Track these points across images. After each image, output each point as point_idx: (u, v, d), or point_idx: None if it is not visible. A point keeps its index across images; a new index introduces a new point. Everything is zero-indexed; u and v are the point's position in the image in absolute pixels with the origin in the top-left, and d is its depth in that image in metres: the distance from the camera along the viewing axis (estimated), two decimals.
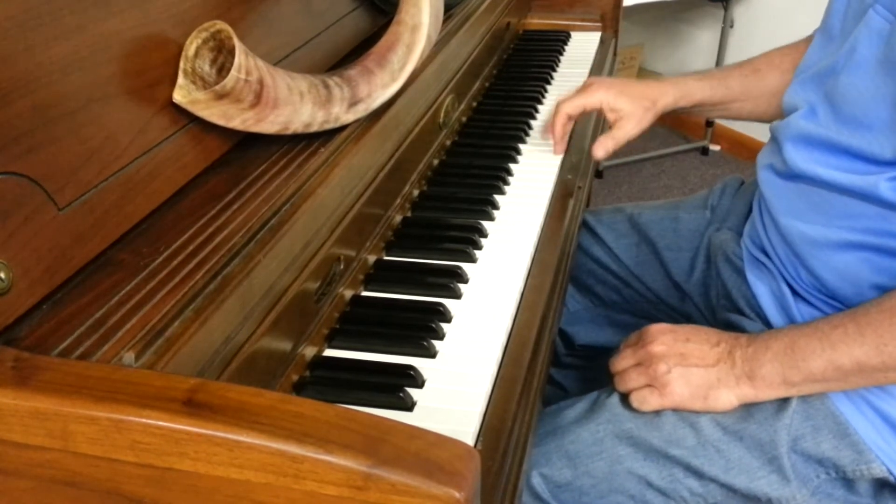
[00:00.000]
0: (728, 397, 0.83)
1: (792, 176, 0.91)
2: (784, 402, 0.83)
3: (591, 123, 1.28)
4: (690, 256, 1.12)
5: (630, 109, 1.08)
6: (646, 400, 0.85)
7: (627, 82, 1.12)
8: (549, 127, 1.14)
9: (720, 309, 1.03)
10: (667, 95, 1.10)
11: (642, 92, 1.10)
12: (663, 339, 0.86)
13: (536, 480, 0.86)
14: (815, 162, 0.87)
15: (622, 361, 0.89)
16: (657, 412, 0.86)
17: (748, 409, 0.84)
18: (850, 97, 0.84)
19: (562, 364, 1.28)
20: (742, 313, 0.97)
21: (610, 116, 1.10)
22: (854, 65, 0.85)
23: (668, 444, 0.84)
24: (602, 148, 1.09)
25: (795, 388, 0.82)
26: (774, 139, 0.96)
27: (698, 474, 0.84)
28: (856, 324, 0.78)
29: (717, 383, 0.83)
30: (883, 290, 0.80)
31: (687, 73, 1.16)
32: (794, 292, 0.91)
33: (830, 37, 0.92)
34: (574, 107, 1.11)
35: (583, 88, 1.12)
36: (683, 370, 0.84)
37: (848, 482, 0.83)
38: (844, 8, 0.90)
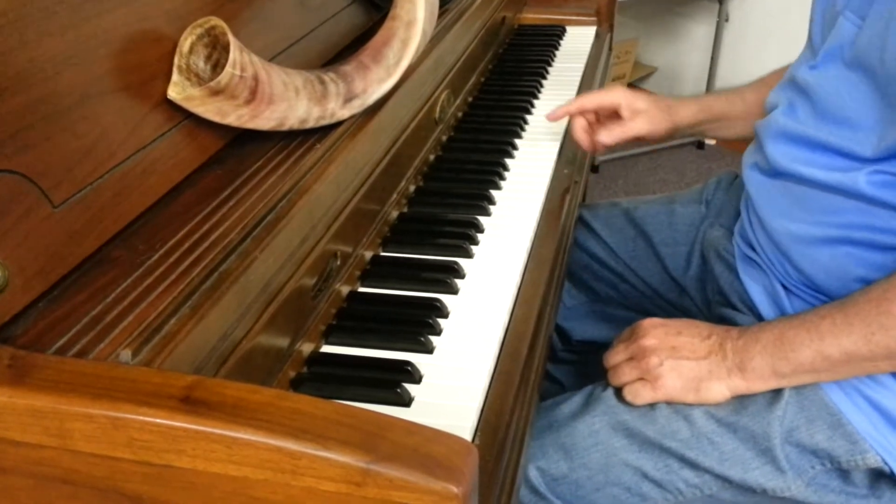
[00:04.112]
0: (720, 389, 0.84)
1: (774, 173, 0.91)
2: (777, 393, 0.84)
3: None
4: (687, 251, 1.12)
5: (647, 107, 1.11)
6: (638, 393, 0.86)
7: (648, 92, 1.15)
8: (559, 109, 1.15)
9: (715, 304, 1.04)
10: (686, 107, 1.13)
11: (663, 98, 1.15)
12: (655, 332, 0.87)
13: (533, 473, 0.87)
14: (796, 159, 0.88)
15: (615, 356, 0.90)
16: (651, 405, 0.86)
17: (741, 401, 0.85)
18: (827, 97, 0.85)
19: (558, 360, 1.28)
20: (736, 309, 0.98)
21: (625, 114, 1.11)
22: (830, 67, 0.86)
23: (662, 436, 0.85)
24: (608, 134, 1.11)
25: (786, 380, 0.82)
26: (757, 137, 0.96)
27: (693, 466, 0.85)
28: (843, 314, 0.78)
29: (709, 375, 0.84)
30: (868, 284, 0.80)
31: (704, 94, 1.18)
32: (786, 288, 0.91)
33: (812, 46, 0.93)
34: (592, 99, 1.13)
35: (603, 89, 1.15)
36: (675, 363, 0.85)
37: (843, 473, 0.84)
38: (821, 18, 0.92)
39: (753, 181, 0.95)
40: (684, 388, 0.84)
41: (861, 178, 0.81)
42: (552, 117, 1.15)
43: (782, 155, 0.89)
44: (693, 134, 1.18)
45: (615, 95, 1.12)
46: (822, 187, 0.85)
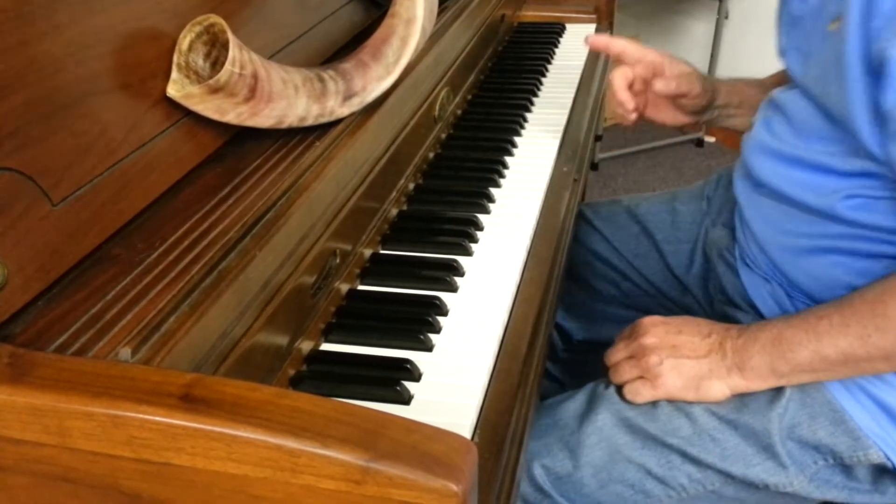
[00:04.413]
0: (720, 388, 0.84)
1: (759, 185, 0.93)
2: (778, 391, 0.84)
3: (587, 114, 1.28)
4: (689, 249, 1.12)
5: (691, 71, 1.10)
6: (639, 392, 0.86)
7: None
8: (621, 104, 1.10)
9: (717, 302, 1.04)
10: (721, 84, 1.12)
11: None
12: (655, 331, 0.87)
13: (538, 472, 0.87)
14: (776, 174, 0.89)
15: (616, 354, 0.90)
16: (653, 402, 0.86)
17: (742, 398, 0.85)
18: (799, 115, 0.87)
19: (559, 359, 1.28)
20: (738, 307, 0.98)
21: (669, 73, 1.08)
22: (796, 88, 0.88)
23: (664, 433, 0.85)
24: (665, 84, 1.07)
25: (785, 379, 0.83)
26: (742, 150, 0.98)
27: (695, 462, 0.85)
28: (840, 315, 0.79)
29: (709, 374, 0.84)
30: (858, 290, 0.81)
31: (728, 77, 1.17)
32: (786, 292, 0.92)
33: None
34: (636, 48, 1.08)
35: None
36: (675, 362, 0.85)
37: (846, 468, 0.84)
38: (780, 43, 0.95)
39: (742, 192, 0.97)
40: (684, 387, 0.85)
41: (837, 204, 0.82)
42: (594, 40, 1.10)
43: (764, 169, 0.91)
44: (719, 118, 1.14)
45: (658, 55, 1.09)
46: (801, 207, 0.87)
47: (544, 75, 1.40)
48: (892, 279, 0.77)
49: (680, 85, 1.08)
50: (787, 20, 0.92)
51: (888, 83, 0.72)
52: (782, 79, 1.05)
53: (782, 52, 0.92)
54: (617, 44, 1.10)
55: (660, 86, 1.07)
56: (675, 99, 1.11)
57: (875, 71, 0.73)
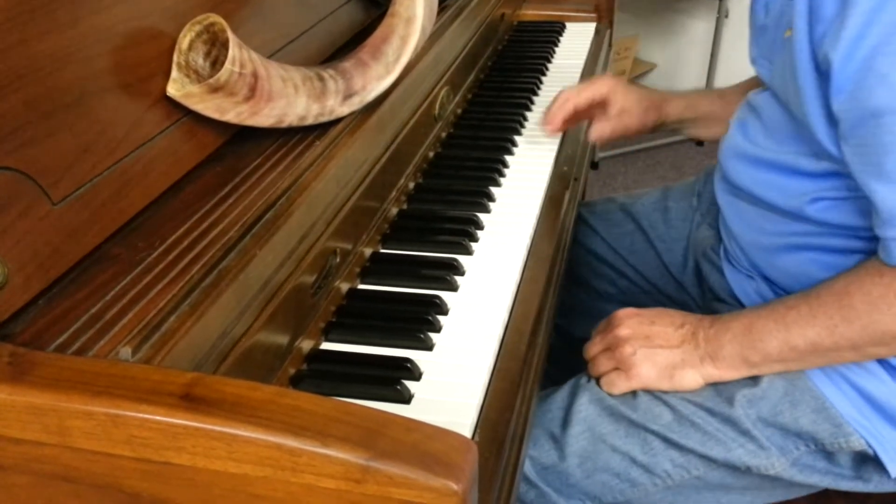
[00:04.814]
0: (693, 377, 0.85)
1: (734, 188, 0.94)
2: (753, 379, 0.85)
3: None
4: (683, 247, 1.13)
5: (635, 103, 1.12)
6: (614, 383, 0.88)
7: (636, 84, 1.15)
8: (547, 115, 1.13)
9: (709, 299, 1.05)
10: (674, 104, 1.14)
11: (649, 94, 1.16)
12: (629, 322, 0.88)
13: (526, 463, 0.87)
14: (749, 178, 0.90)
15: (593, 348, 0.91)
16: (633, 392, 0.87)
17: (716, 386, 0.86)
18: (772, 115, 0.88)
19: (558, 358, 1.28)
20: (726, 303, 0.99)
21: (613, 108, 1.12)
22: (767, 89, 0.90)
23: (646, 420, 0.86)
24: (598, 132, 1.13)
25: (756, 368, 0.84)
26: (718, 153, 0.99)
27: (677, 447, 0.86)
28: (808, 305, 0.80)
29: (682, 363, 0.85)
30: None
31: (689, 90, 1.18)
32: (769, 287, 0.93)
33: None
34: (582, 97, 1.12)
35: (589, 82, 1.15)
36: (648, 352, 0.86)
37: (828, 455, 0.85)
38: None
39: (720, 194, 0.98)
40: (658, 377, 0.86)
41: (805, 206, 0.84)
42: (553, 129, 1.12)
43: (738, 172, 0.92)
44: (675, 130, 1.20)
45: (603, 87, 1.12)
46: (773, 208, 0.88)
47: (544, 74, 1.40)
48: (857, 271, 0.79)
49: (614, 130, 1.13)
50: (755, 30, 0.95)
51: (833, 86, 0.74)
52: (747, 87, 1.07)
53: (753, 61, 0.95)
54: (569, 108, 1.12)
55: (592, 137, 1.14)
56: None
57: (824, 74, 0.76)
